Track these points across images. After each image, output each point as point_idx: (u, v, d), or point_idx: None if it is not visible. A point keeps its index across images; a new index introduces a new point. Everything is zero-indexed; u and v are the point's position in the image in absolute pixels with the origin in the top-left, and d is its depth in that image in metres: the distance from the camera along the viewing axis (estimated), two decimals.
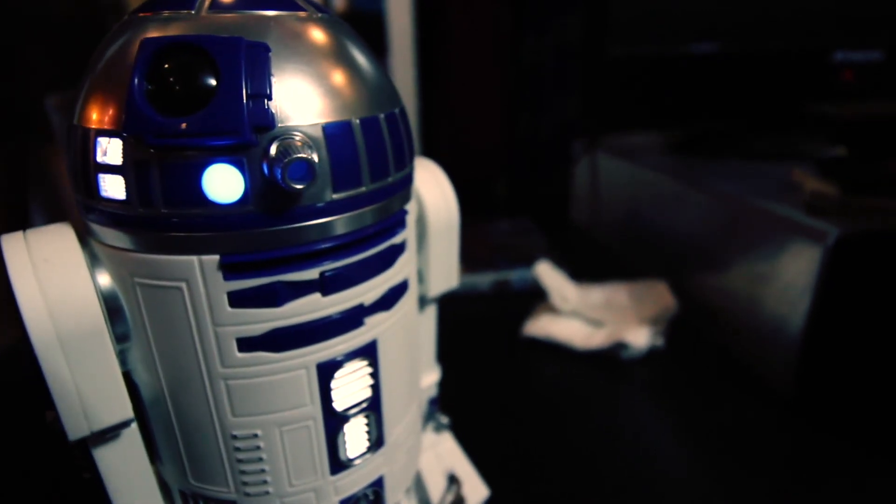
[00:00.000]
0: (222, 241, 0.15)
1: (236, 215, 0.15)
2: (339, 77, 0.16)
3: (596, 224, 0.65)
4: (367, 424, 0.20)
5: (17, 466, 0.31)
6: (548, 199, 0.78)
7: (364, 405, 0.19)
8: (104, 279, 0.16)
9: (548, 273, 0.45)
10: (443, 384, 0.28)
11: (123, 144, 0.14)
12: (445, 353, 0.28)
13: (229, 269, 0.15)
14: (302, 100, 0.15)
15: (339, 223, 0.16)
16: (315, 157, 0.15)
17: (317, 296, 0.17)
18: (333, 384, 0.18)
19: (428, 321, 0.26)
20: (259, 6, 0.15)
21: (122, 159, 0.14)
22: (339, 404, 0.18)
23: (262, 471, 0.18)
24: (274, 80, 0.14)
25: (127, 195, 0.14)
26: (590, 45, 0.61)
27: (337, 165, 0.15)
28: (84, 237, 0.16)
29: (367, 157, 0.16)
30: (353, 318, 0.18)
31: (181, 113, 0.13)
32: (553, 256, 0.51)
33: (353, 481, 0.20)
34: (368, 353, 0.19)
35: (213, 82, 0.13)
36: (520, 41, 0.79)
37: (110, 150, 0.14)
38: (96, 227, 0.16)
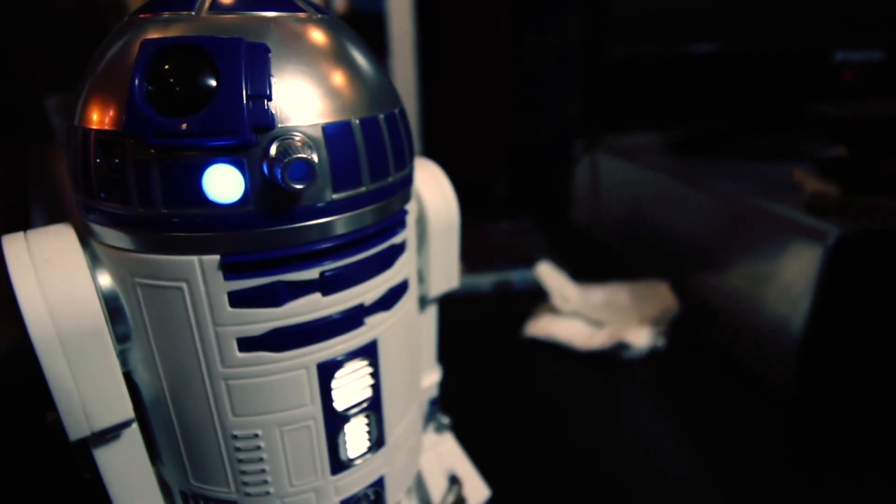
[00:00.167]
0: (222, 241, 0.15)
1: (236, 215, 0.15)
2: (338, 77, 0.16)
3: (596, 224, 0.65)
4: (368, 424, 0.20)
5: (17, 467, 0.31)
6: (548, 199, 0.78)
7: (364, 405, 0.19)
8: (105, 279, 0.16)
9: (549, 273, 0.45)
10: (443, 384, 0.28)
11: (124, 145, 0.14)
12: (446, 354, 0.28)
13: (230, 269, 0.15)
14: (302, 100, 0.15)
15: (339, 223, 0.16)
16: (315, 158, 0.15)
17: (317, 296, 0.17)
18: (334, 384, 0.18)
19: (428, 321, 0.26)
20: (259, 7, 0.15)
21: (122, 160, 0.14)
22: (339, 404, 0.18)
23: (263, 471, 0.18)
24: (274, 80, 0.14)
25: (127, 195, 0.14)
26: (590, 45, 0.61)
27: (337, 165, 0.15)
28: (85, 237, 0.16)
29: (366, 157, 0.16)
30: (353, 318, 0.18)
31: (181, 113, 0.13)
32: (553, 256, 0.51)
33: (353, 481, 0.20)
34: (369, 353, 0.19)
35: (213, 83, 0.13)
36: (520, 41, 0.79)
37: (111, 151, 0.14)
38: (97, 228, 0.16)
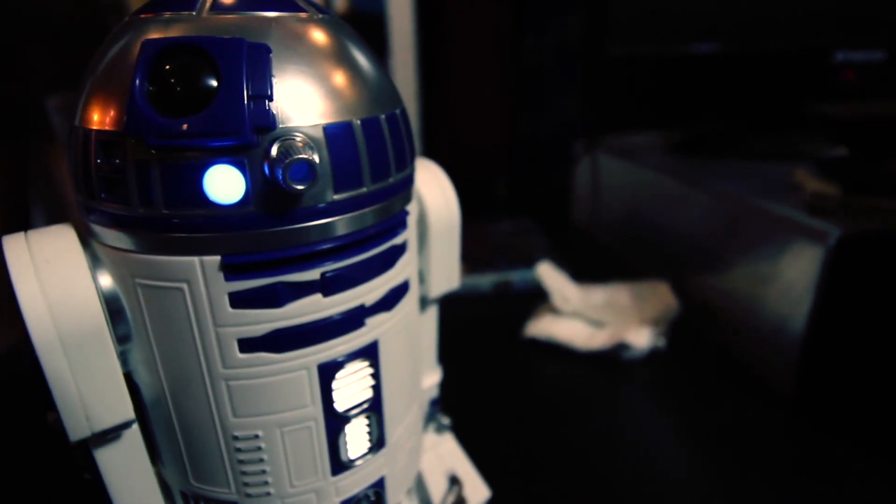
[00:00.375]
0: (223, 242, 0.15)
1: (237, 216, 0.15)
2: (339, 78, 0.16)
3: (596, 224, 0.65)
4: (369, 425, 0.20)
5: (18, 467, 0.31)
6: (548, 199, 0.78)
7: (365, 406, 0.19)
8: (105, 280, 0.16)
9: (549, 274, 0.45)
10: (444, 385, 0.28)
11: (125, 145, 0.14)
12: (447, 354, 0.28)
13: (230, 270, 0.15)
14: (303, 101, 0.15)
15: (340, 224, 0.16)
16: (316, 158, 0.15)
17: (318, 296, 0.17)
18: (334, 385, 0.18)
19: (429, 322, 0.26)
20: (260, 7, 0.15)
21: (123, 160, 0.14)
22: (340, 405, 0.18)
23: (264, 471, 0.18)
24: (275, 80, 0.14)
25: (128, 196, 0.14)
26: (590, 45, 0.61)
27: (338, 166, 0.15)
28: (85, 238, 0.16)
29: (367, 157, 0.16)
30: (354, 319, 0.18)
31: (182, 114, 0.13)
32: (554, 257, 0.51)
33: (354, 482, 0.20)
34: (369, 353, 0.19)
35: (214, 83, 0.13)
36: (520, 41, 0.79)
37: (111, 151, 0.14)
38: (97, 228, 0.16)
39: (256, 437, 0.17)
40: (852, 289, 0.32)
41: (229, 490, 0.18)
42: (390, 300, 0.19)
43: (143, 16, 0.15)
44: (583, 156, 0.66)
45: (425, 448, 0.27)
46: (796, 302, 0.33)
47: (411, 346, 0.22)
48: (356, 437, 0.19)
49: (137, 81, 0.13)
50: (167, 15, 0.15)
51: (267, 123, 0.14)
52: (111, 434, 0.17)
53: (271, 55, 0.14)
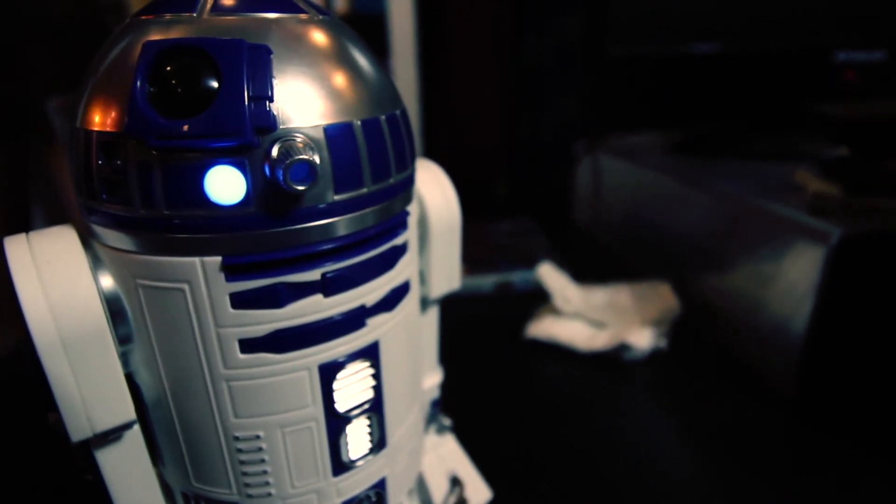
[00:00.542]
0: (224, 243, 0.15)
1: (238, 217, 0.15)
2: (340, 79, 0.16)
3: (597, 224, 0.65)
4: (370, 426, 0.20)
5: (19, 468, 0.31)
6: (549, 199, 0.78)
7: (366, 406, 0.19)
8: (107, 281, 0.16)
9: (550, 274, 0.45)
10: (445, 386, 0.28)
11: (126, 146, 0.14)
12: (448, 355, 0.28)
13: (231, 271, 0.15)
14: (303, 102, 0.15)
15: (341, 224, 0.16)
16: (316, 159, 0.15)
17: (319, 297, 0.17)
18: (335, 385, 0.18)
19: (430, 322, 0.26)
20: (260, 8, 0.15)
21: (124, 161, 0.14)
22: (341, 405, 0.18)
23: (265, 472, 0.18)
24: (275, 82, 0.14)
25: (129, 197, 0.14)
26: (590, 45, 0.61)
27: (338, 167, 0.15)
28: (86, 239, 0.16)
29: (368, 158, 0.16)
30: (354, 320, 0.18)
31: (183, 115, 0.13)
32: (554, 257, 0.51)
33: (355, 483, 0.20)
34: (370, 354, 0.19)
35: (214, 84, 0.13)
36: (520, 41, 0.79)
37: (113, 153, 0.14)
38: (99, 229, 0.16)
39: (257, 437, 0.17)
40: (853, 289, 0.32)
41: (230, 491, 0.18)
42: (391, 301, 0.19)
43: (143, 17, 0.15)
44: (583, 156, 0.66)
45: (426, 449, 0.27)
46: (797, 302, 0.33)
47: (412, 346, 0.22)
48: (357, 437, 0.19)
49: (138, 83, 0.13)
50: (168, 16, 0.15)
51: (268, 124, 0.14)
52: (112, 435, 0.17)
53: (272, 56, 0.14)
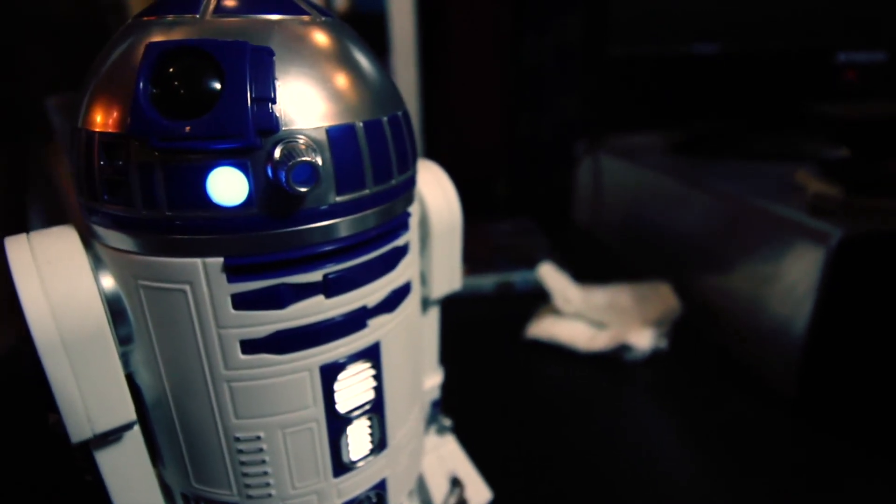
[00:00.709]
0: (226, 244, 0.15)
1: (240, 218, 0.15)
2: (342, 80, 0.16)
3: (597, 224, 0.65)
4: (370, 427, 0.20)
5: (19, 468, 0.31)
6: (549, 199, 0.78)
7: (367, 407, 0.19)
8: (108, 281, 0.16)
9: (551, 275, 0.45)
10: (445, 386, 0.28)
11: (128, 147, 0.14)
12: (448, 356, 0.28)
13: (233, 272, 0.15)
14: (306, 103, 0.15)
15: (343, 225, 0.16)
16: (319, 160, 0.15)
17: (320, 298, 0.17)
18: (336, 386, 0.18)
19: (431, 323, 0.26)
20: (263, 10, 0.15)
21: (126, 162, 0.14)
22: (342, 406, 0.18)
23: (265, 473, 0.18)
24: (278, 83, 0.14)
25: (131, 198, 0.14)
26: (590, 45, 0.61)
27: (340, 168, 0.15)
28: (87, 239, 0.16)
29: (370, 159, 0.16)
30: (356, 321, 0.18)
31: (186, 116, 0.13)
32: (555, 257, 0.51)
33: (355, 484, 0.20)
34: (371, 355, 0.19)
35: (217, 86, 0.13)
36: (520, 41, 0.79)
37: (115, 153, 0.14)
38: (100, 230, 0.16)
39: (258, 438, 0.17)
40: (854, 289, 0.32)
41: (231, 492, 0.18)
42: (392, 301, 0.19)
43: (146, 18, 0.15)
44: (584, 156, 0.66)
45: (427, 450, 0.27)
46: (798, 302, 0.33)
47: (413, 347, 0.22)
48: (358, 438, 0.19)
49: (141, 84, 0.13)
50: (170, 18, 0.15)
51: (270, 126, 0.14)
52: (112, 435, 0.17)
53: (274, 58, 0.14)
